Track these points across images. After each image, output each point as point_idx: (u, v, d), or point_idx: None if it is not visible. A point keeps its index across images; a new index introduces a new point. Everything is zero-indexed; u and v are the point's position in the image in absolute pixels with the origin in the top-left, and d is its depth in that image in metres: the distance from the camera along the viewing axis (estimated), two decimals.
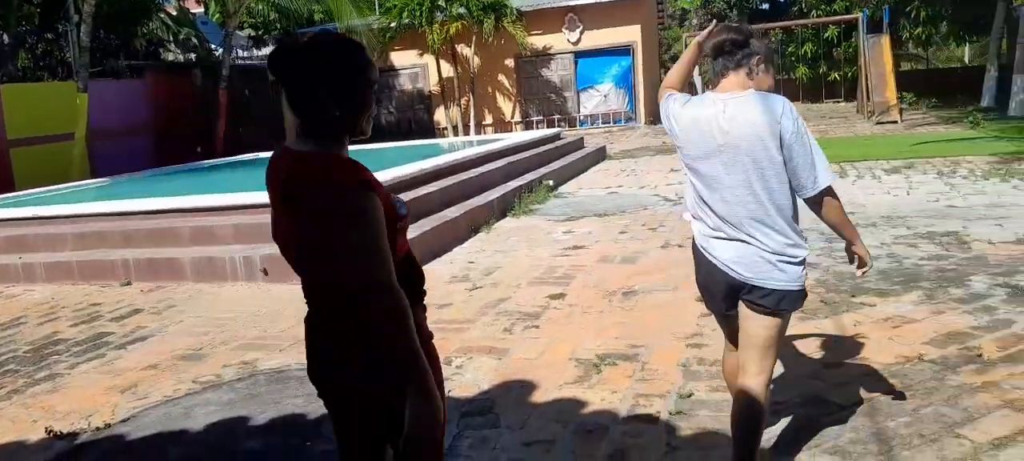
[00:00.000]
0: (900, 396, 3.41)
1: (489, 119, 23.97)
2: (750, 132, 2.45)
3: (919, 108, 21.06)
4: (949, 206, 7.77)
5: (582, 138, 16.33)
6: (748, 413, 2.63)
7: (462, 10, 20.75)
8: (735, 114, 2.48)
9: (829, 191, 2.50)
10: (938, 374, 3.62)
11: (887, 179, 9.87)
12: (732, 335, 2.81)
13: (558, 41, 23.22)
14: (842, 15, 23.96)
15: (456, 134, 22.22)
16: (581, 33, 23.02)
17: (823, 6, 25.24)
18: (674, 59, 32.71)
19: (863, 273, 2.70)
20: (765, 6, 27.88)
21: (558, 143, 14.47)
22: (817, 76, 26.31)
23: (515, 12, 21.44)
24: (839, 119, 20.38)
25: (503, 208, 9.17)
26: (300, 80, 1.82)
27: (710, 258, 2.61)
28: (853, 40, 23.93)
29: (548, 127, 21.22)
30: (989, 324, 4.23)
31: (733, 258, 2.54)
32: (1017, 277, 5.07)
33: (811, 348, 4.12)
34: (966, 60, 35.62)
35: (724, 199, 2.53)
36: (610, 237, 7.54)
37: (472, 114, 22.85)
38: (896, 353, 3.94)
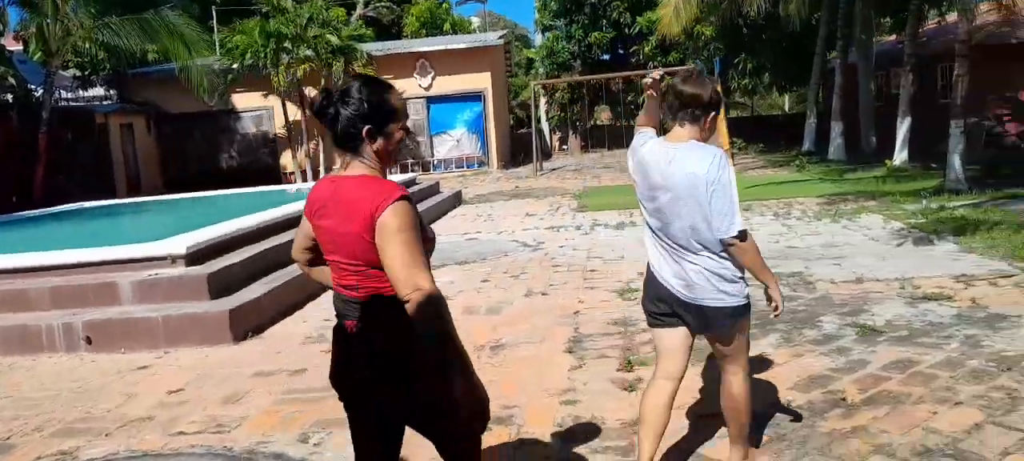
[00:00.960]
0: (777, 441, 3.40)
1: (339, 163, 23.33)
2: (684, 178, 2.79)
3: (748, 153, 22.56)
4: (789, 247, 8.19)
5: (438, 183, 16.16)
6: (731, 402, 3.03)
7: (310, 52, 20.17)
8: (676, 160, 2.82)
9: (742, 236, 2.76)
10: (808, 421, 3.65)
11: None
12: (666, 353, 3.04)
13: (410, 86, 23.05)
14: (677, 66, 25.37)
15: (304, 180, 21.42)
16: (433, 79, 23.02)
17: (660, 57, 26.61)
18: (523, 106, 33.45)
19: (776, 314, 2.96)
20: (606, 57, 29.04)
21: (414, 188, 14.21)
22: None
23: (366, 56, 21.13)
24: None
25: None
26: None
27: (657, 277, 2.96)
28: None
29: (402, 172, 20.93)
30: (846, 365, 4.37)
31: (675, 277, 2.90)
32: (862, 316, 5.32)
33: (683, 398, 4.06)
34: (786, 108, 38.76)
35: (665, 230, 2.89)
36: (473, 286, 7.34)
37: (322, 158, 22.16)
38: (764, 400, 3.95)
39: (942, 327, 4.94)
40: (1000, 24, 16.21)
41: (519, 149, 27.05)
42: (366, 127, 2.13)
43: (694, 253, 2.82)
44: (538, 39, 32.57)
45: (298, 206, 9.77)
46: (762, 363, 4.52)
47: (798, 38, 22.49)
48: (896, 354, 4.49)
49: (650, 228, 2.97)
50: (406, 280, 1.98)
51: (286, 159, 23.16)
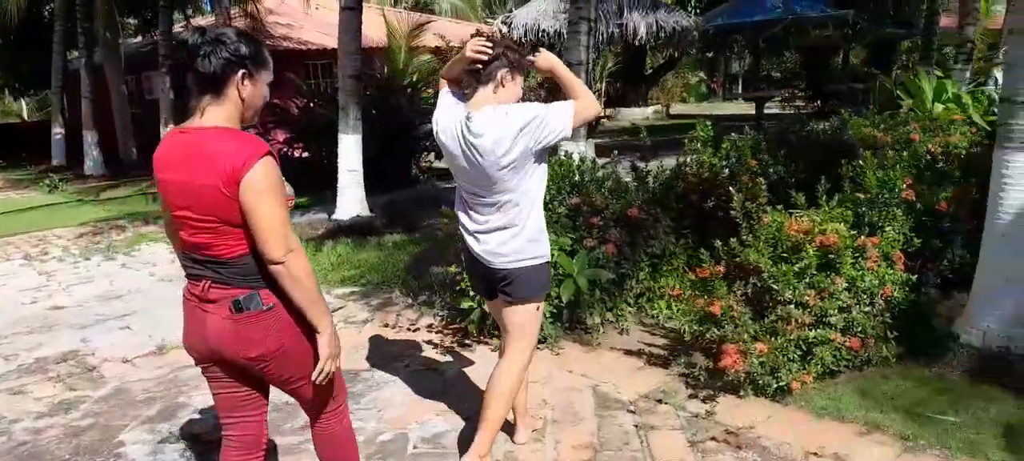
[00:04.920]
0: None
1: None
2: (487, 143, 2.67)
3: None
4: (54, 307, 5.99)
5: None
6: (493, 383, 2.95)
7: None
8: (476, 127, 2.69)
9: (577, 107, 2.71)
10: None
11: None
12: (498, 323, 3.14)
13: None
14: None
15: None
16: None
17: None
18: None
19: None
20: None
21: None
22: None
23: None
24: None
25: None
26: None
27: (472, 250, 2.91)
28: None
29: None
30: None
31: (485, 251, 2.85)
32: (182, 414, 3.73)
33: None
34: (25, 115, 33.62)
35: (474, 199, 2.86)
36: None
37: None
38: None
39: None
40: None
41: None
42: (241, 70, 2.06)
43: (494, 222, 2.83)
44: None
45: None
46: None
47: (32, 33, 19.02)
48: None
49: (462, 198, 2.97)
50: (279, 242, 1.98)
51: None
